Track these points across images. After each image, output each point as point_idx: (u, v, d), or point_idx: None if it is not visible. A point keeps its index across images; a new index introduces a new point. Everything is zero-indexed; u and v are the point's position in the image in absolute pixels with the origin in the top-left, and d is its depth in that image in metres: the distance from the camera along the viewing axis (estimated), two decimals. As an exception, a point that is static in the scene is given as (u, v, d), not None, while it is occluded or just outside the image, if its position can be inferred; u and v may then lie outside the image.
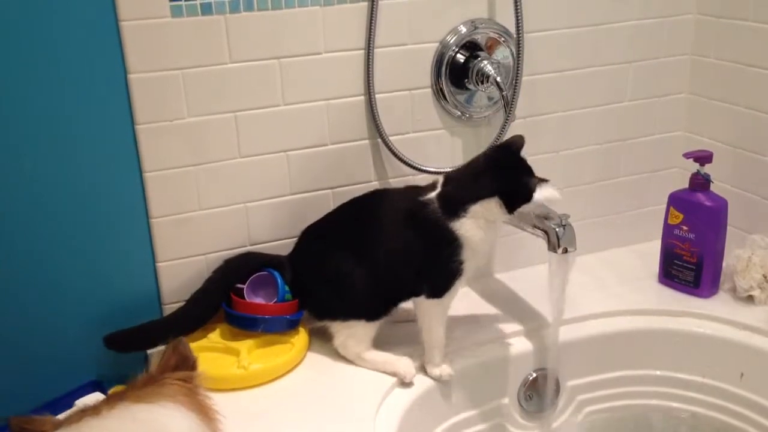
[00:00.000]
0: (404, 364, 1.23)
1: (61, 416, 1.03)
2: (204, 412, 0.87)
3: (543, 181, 1.20)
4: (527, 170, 1.19)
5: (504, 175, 1.17)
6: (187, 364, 0.91)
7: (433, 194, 1.19)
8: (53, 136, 1.15)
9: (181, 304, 1.25)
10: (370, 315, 1.23)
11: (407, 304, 1.32)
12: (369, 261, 1.21)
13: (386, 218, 1.23)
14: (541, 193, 1.19)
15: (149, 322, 1.23)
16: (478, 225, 1.17)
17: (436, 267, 1.19)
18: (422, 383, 1.24)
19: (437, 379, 1.24)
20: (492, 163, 1.19)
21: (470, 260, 1.19)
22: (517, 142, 1.20)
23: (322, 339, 1.31)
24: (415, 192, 1.23)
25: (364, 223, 1.24)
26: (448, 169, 1.36)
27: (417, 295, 1.23)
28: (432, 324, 1.23)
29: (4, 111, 1.12)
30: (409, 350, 1.26)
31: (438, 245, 1.18)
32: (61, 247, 1.21)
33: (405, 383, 1.22)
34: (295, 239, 1.31)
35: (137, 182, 1.22)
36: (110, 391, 1.23)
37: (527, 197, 1.18)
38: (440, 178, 1.22)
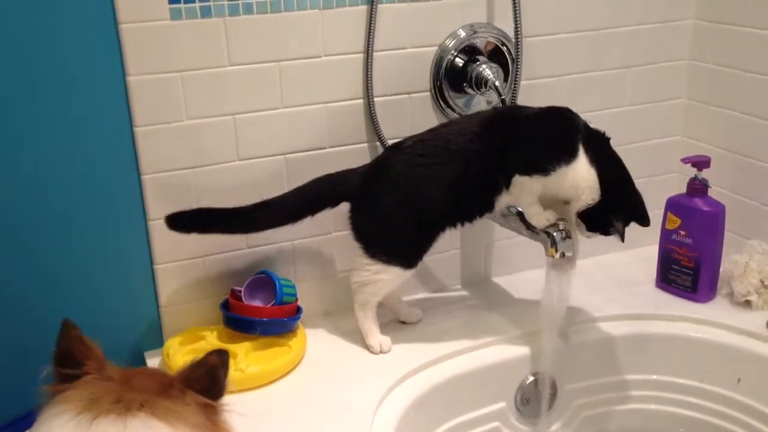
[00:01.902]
0: (383, 338, 1.27)
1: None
2: None
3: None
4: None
5: (626, 211, 1.22)
6: (216, 389, 0.84)
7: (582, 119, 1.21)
8: (52, 138, 1.16)
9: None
10: (413, 255, 1.24)
11: (409, 306, 1.34)
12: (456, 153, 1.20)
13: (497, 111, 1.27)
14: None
15: (209, 208, 1.22)
16: (589, 183, 1.19)
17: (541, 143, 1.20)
18: (419, 387, 1.24)
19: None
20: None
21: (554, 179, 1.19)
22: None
23: (320, 341, 1.31)
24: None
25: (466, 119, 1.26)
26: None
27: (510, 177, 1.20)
28: (525, 200, 1.22)
29: (3, 113, 1.12)
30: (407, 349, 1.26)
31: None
32: (59, 248, 1.21)
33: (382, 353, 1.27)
34: (296, 238, 1.31)
35: (135, 184, 1.22)
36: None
37: (622, 229, 1.22)
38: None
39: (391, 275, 1.24)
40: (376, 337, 1.28)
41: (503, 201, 1.23)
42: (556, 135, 1.20)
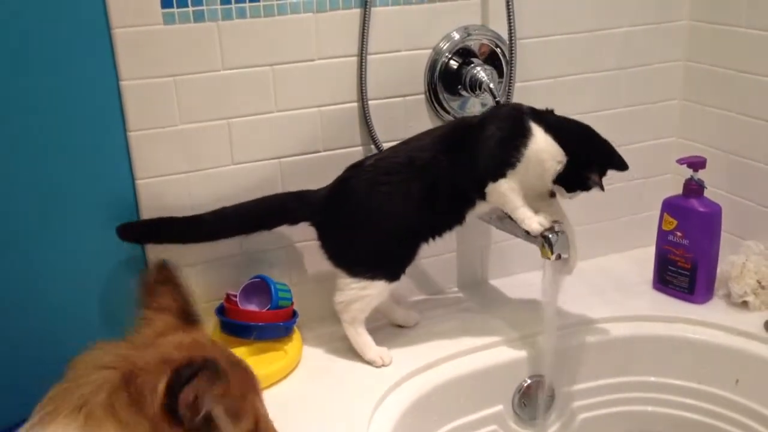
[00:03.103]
0: (382, 351, 1.26)
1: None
2: None
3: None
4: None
5: (597, 158, 1.21)
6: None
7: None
8: (45, 143, 1.15)
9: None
10: (394, 267, 1.23)
11: (406, 309, 1.33)
12: (422, 174, 1.20)
13: (450, 125, 1.27)
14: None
15: (163, 218, 1.21)
16: (550, 149, 1.18)
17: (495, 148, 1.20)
18: (416, 390, 1.24)
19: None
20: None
21: (522, 167, 1.18)
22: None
23: (315, 346, 1.31)
24: None
25: (423, 135, 1.25)
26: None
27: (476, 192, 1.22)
28: (509, 205, 1.21)
29: (-5, 119, 1.12)
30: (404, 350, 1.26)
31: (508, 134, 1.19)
32: (53, 255, 1.20)
33: (384, 366, 1.25)
34: (291, 242, 1.31)
35: (130, 190, 1.22)
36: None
37: (599, 180, 1.21)
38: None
39: (377, 289, 1.23)
40: (374, 350, 1.26)
41: (479, 210, 1.24)
42: (504, 127, 1.20)
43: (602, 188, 1.22)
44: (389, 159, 1.23)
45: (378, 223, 1.21)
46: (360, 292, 1.23)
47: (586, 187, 1.22)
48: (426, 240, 1.24)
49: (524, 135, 1.18)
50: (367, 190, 1.21)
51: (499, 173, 1.18)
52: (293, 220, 1.25)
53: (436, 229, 1.24)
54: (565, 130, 1.20)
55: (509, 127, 1.20)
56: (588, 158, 1.20)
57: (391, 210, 1.20)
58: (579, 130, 1.22)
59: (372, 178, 1.21)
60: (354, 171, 1.24)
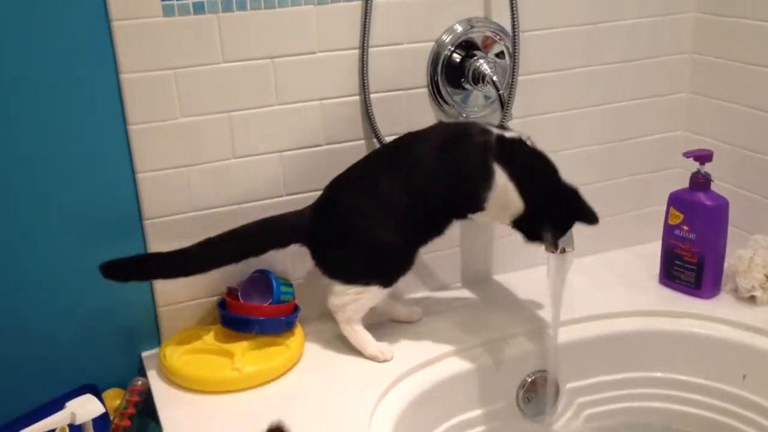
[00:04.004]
0: (383, 345, 1.25)
1: (51, 418, 1.03)
2: None
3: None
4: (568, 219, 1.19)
5: (558, 214, 1.18)
6: None
7: (495, 131, 1.18)
8: (45, 137, 1.15)
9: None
10: (390, 276, 1.23)
11: (409, 305, 1.32)
12: (400, 192, 1.19)
13: (424, 146, 1.22)
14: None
15: (148, 254, 1.21)
16: (510, 197, 1.17)
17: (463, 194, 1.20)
18: (418, 386, 1.23)
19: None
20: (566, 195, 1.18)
21: (491, 207, 1.18)
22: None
23: (317, 340, 1.30)
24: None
25: (398, 156, 1.23)
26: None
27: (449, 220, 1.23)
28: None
29: (-6, 111, 1.12)
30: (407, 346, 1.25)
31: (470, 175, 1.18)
32: (53, 254, 1.20)
33: (386, 361, 1.24)
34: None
35: (130, 184, 1.21)
36: (104, 395, 1.22)
37: (552, 239, 1.19)
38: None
39: (373, 293, 1.23)
40: (373, 345, 1.26)
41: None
42: (468, 165, 1.18)
43: (554, 249, 1.19)
44: (368, 180, 1.22)
45: (366, 239, 1.21)
46: (355, 296, 1.23)
47: (541, 241, 1.20)
48: (418, 247, 1.24)
49: (486, 179, 1.17)
50: (352, 208, 1.21)
51: (471, 211, 1.21)
52: (283, 245, 1.24)
53: (426, 237, 1.24)
54: (527, 180, 1.16)
55: (473, 168, 1.18)
56: (544, 214, 1.18)
57: (378, 226, 1.20)
58: (540, 183, 1.18)
59: (355, 197, 1.21)
60: (334, 191, 1.24)
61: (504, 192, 1.17)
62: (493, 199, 1.18)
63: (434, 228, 1.23)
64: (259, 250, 1.23)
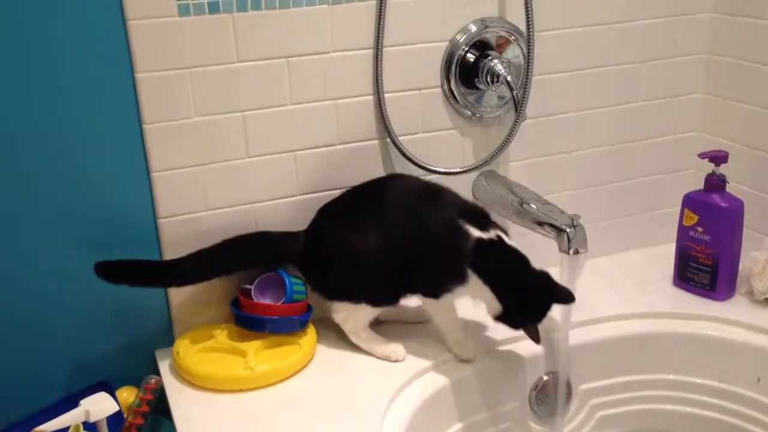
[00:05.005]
0: (394, 346, 1.25)
1: (66, 416, 1.04)
2: None
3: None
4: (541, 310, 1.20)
5: (528, 303, 1.19)
6: None
7: (473, 233, 1.19)
8: (60, 136, 1.15)
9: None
10: (375, 300, 1.24)
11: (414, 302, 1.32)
12: (383, 243, 1.20)
13: (410, 203, 1.23)
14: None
15: (146, 261, 1.23)
16: (486, 297, 1.19)
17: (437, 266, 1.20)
18: (431, 386, 1.22)
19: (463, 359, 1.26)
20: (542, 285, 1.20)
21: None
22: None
23: (330, 340, 1.30)
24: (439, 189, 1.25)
25: (384, 206, 1.23)
26: (458, 170, 1.36)
27: (420, 289, 1.24)
28: (438, 318, 1.27)
29: (10, 110, 1.12)
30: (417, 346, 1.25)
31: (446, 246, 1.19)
32: (71, 255, 1.21)
33: (398, 361, 1.25)
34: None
35: (145, 182, 1.22)
36: (117, 392, 1.23)
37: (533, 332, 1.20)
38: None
39: (365, 309, 1.24)
40: (385, 347, 1.26)
41: None
42: (445, 263, 1.19)
43: (537, 341, 1.20)
44: (357, 219, 1.23)
45: (350, 265, 1.22)
46: (353, 312, 1.25)
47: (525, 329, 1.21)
48: (400, 291, 1.25)
49: (461, 281, 1.18)
50: (341, 241, 1.22)
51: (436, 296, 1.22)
52: (277, 263, 1.27)
53: (408, 287, 1.25)
54: (501, 285, 1.18)
55: (447, 271, 1.19)
56: (519, 313, 1.19)
57: (361, 258, 1.21)
58: (514, 284, 1.19)
59: (340, 230, 1.23)
60: (323, 218, 1.26)
61: (477, 292, 1.19)
62: (462, 291, 1.20)
63: (411, 282, 1.24)
64: (253, 264, 1.27)
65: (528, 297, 1.19)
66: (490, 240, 1.19)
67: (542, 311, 1.20)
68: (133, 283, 1.20)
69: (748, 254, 1.40)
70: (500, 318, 1.20)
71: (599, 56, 1.44)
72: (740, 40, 1.46)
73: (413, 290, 1.24)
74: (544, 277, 1.20)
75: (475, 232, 1.18)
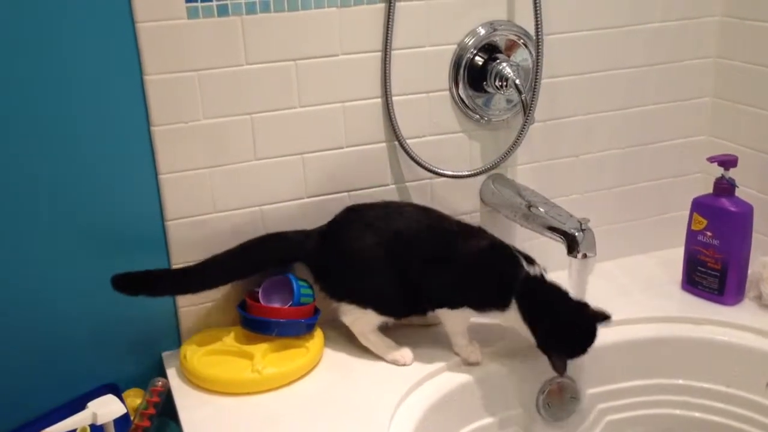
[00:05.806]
0: (402, 350, 1.25)
1: (73, 418, 1.04)
2: None
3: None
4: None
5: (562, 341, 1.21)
6: None
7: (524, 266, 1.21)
8: (69, 138, 1.16)
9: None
10: (383, 310, 1.24)
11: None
12: (400, 261, 1.21)
13: (431, 226, 1.25)
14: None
15: (157, 270, 1.23)
16: (520, 329, 1.22)
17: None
18: (439, 390, 1.22)
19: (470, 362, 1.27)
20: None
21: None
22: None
23: (337, 343, 1.30)
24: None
25: (408, 223, 1.24)
26: (465, 173, 1.35)
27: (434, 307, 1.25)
28: (449, 324, 1.27)
29: (18, 112, 1.12)
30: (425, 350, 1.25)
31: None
32: (79, 258, 1.21)
33: (406, 365, 1.25)
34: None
35: (153, 184, 1.22)
36: (124, 395, 1.23)
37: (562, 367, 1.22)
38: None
39: (373, 314, 1.25)
40: (393, 351, 1.26)
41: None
42: (495, 286, 1.21)
43: (561, 374, 1.22)
44: (379, 227, 1.23)
45: (362, 273, 1.23)
46: (362, 316, 1.25)
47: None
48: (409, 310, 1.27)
49: (501, 308, 1.20)
50: (357, 246, 1.22)
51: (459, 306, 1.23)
52: (289, 263, 1.28)
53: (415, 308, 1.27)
54: (539, 323, 1.19)
55: (492, 296, 1.21)
56: (552, 348, 1.21)
57: (375, 271, 1.22)
58: (554, 323, 1.19)
59: (360, 236, 1.23)
60: (345, 221, 1.26)
61: (513, 323, 1.22)
62: (496, 317, 1.23)
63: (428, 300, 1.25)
64: (268, 266, 1.27)
65: (563, 339, 1.20)
66: (536, 277, 1.20)
67: (576, 350, 1.21)
68: (153, 294, 1.22)
69: (757, 259, 1.39)
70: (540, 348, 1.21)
71: (608, 60, 1.44)
72: (749, 43, 1.46)
73: (431, 307, 1.25)
74: (581, 311, 1.21)
75: (525, 265, 1.20)
